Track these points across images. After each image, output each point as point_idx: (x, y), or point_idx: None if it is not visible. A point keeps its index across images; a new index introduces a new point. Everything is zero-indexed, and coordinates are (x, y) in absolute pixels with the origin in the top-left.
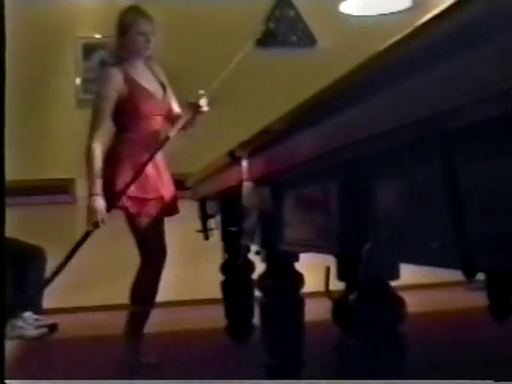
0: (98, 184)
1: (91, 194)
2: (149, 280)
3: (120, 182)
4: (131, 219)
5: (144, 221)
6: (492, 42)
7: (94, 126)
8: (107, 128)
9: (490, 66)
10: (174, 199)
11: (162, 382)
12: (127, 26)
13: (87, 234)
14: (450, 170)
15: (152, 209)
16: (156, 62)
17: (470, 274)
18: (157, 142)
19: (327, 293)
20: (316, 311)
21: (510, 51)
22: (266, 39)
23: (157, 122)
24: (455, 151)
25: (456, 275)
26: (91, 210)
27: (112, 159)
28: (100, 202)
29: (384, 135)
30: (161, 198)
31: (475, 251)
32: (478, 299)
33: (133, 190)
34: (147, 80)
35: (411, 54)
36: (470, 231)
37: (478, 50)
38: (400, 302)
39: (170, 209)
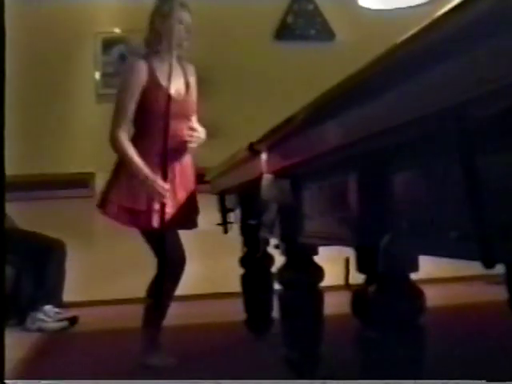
0: (141, 164)
1: (141, 179)
2: (165, 290)
3: (117, 192)
4: (142, 231)
5: (153, 233)
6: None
7: (117, 117)
8: (130, 120)
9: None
10: (189, 211)
11: (161, 382)
12: (167, 13)
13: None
14: (469, 160)
15: (147, 221)
16: (189, 61)
17: (488, 265)
18: (175, 148)
19: (347, 284)
20: (335, 304)
21: None
22: (285, 33)
23: (175, 125)
24: (474, 141)
25: (476, 269)
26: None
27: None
28: (155, 180)
29: (403, 126)
30: (156, 210)
31: (494, 241)
32: (498, 293)
33: (124, 200)
34: (172, 77)
35: (429, 45)
36: (489, 222)
37: (495, 39)
38: (419, 294)
39: (183, 221)
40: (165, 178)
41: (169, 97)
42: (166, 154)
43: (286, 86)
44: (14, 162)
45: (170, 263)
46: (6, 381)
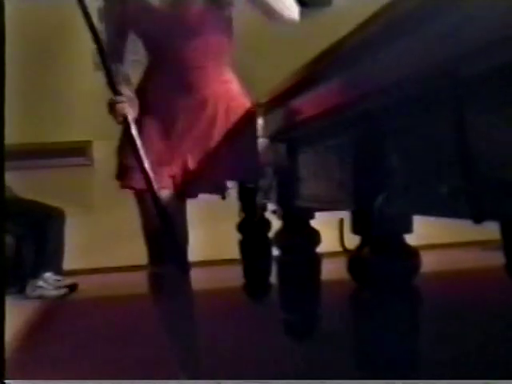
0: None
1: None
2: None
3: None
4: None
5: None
6: None
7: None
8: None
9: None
10: (205, 168)
11: (162, 382)
12: None
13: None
14: (458, 117)
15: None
16: None
17: (477, 221)
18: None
19: (342, 245)
20: (331, 270)
21: None
22: None
23: (175, 47)
24: (464, 99)
25: (472, 235)
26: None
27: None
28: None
29: (395, 86)
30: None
31: (482, 196)
32: (494, 258)
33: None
34: None
35: (420, 5)
36: (479, 177)
37: None
38: (413, 254)
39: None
40: (113, 89)
41: (150, 10)
42: (103, 53)
43: (282, 52)
44: (11, 130)
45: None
46: (6, 381)
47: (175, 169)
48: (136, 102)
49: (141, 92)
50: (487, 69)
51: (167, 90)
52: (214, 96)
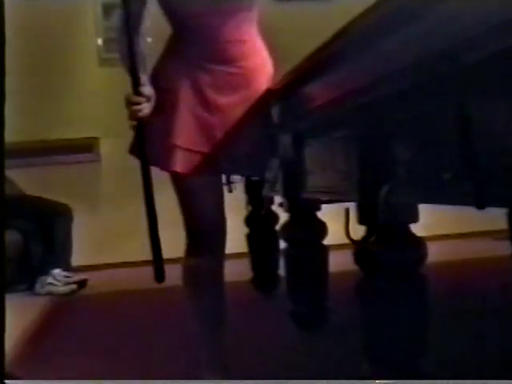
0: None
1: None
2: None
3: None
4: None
5: (191, 183)
6: None
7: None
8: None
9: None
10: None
11: (161, 382)
12: None
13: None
14: (462, 105)
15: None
16: None
17: (481, 207)
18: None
19: (347, 235)
20: (339, 261)
21: None
22: None
23: (208, 19)
24: (467, 86)
25: (483, 225)
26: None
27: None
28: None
29: (398, 74)
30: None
31: (486, 183)
32: (505, 248)
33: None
34: None
35: None
36: (482, 163)
37: None
38: (420, 243)
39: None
40: (135, 88)
41: None
42: (132, 45)
43: (284, 46)
44: (19, 128)
45: (195, 231)
46: (7, 381)
47: (207, 147)
48: (153, 99)
49: (162, 67)
50: (489, 55)
51: (198, 63)
52: (253, 68)
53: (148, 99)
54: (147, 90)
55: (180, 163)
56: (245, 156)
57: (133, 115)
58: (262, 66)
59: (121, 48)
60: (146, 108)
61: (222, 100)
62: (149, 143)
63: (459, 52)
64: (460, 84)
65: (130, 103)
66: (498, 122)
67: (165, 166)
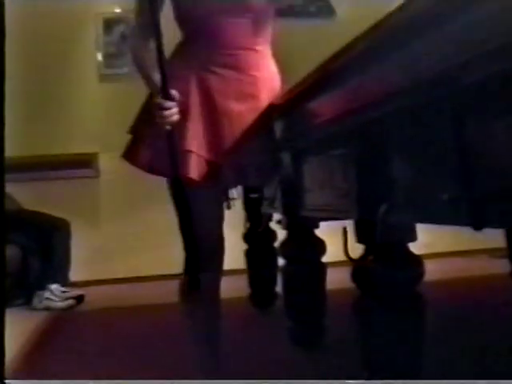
0: (148, 76)
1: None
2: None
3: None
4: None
5: (190, 198)
6: None
7: (136, 20)
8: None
9: (496, 22)
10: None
11: (161, 382)
12: None
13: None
14: (460, 126)
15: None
16: None
17: (478, 228)
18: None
19: (346, 254)
20: (336, 279)
21: None
22: (284, 10)
23: (223, 25)
24: (465, 108)
25: (480, 243)
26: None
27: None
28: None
29: (397, 95)
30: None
31: (482, 204)
32: (501, 267)
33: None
34: None
35: (421, 13)
36: (479, 185)
37: (484, 6)
38: (418, 262)
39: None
40: (165, 93)
41: None
42: (162, 54)
43: (286, 63)
44: (18, 142)
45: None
46: (7, 381)
47: (214, 155)
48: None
49: (171, 71)
50: (487, 76)
51: (209, 67)
52: (263, 79)
53: (177, 103)
54: (174, 92)
55: (195, 170)
56: (249, 166)
57: (166, 121)
58: (270, 80)
59: (136, 56)
60: (176, 112)
61: (230, 106)
62: (156, 150)
63: (457, 74)
64: (458, 105)
65: (160, 108)
66: (495, 143)
67: (179, 173)
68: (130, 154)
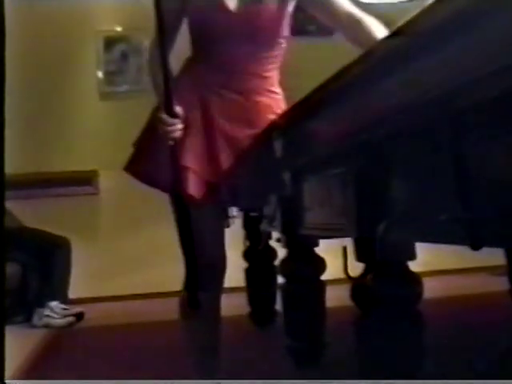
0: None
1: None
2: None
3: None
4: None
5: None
6: (495, 20)
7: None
8: (171, 37)
9: (494, 44)
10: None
11: (161, 382)
12: None
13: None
14: (457, 147)
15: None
16: None
17: (476, 248)
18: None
19: (345, 273)
20: (336, 297)
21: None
22: None
23: (233, 49)
24: (462, 130)
25: (480, 261)
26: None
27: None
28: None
29: (395, 116)
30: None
31: (480, 225)
32: (501, 284)
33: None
34: None
35: (418, 36)
36: (476, 205)
37: (481, 29)
38: (417, 281)
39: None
40: (169, 109)
41: (218, 6)
42: (167, 71)
43: (285, 81)
44: (18, 160)
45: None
46: (7, 381)
47: (212, 175)
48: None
49: (176, 87)
50: (483, 99)
51: (214, 88)
52: (265, 105)
53: (180, 119)
54: (179, 109)
55: (194, 187)
56: (246, 190)
57: (169, 137)
58: (273, 106)
59: (151, 66)
60: (180, 128)
61: (229, 129)
62: (151, 163)
63: (455, 96)
64: (456, 127)
65: (164, 124)
66: (493, 164)
67: (179, 189)
68: (132, 167)
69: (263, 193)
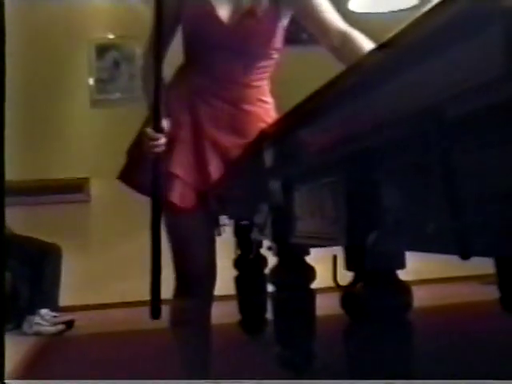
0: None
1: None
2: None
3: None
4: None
5: (183, 225)
6: (484, 32)
7: (149, 39)
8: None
9: (483, 56)
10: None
11: (161, 382)
12: None
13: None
14: (446, 158)
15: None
16: None
17: (465, 257)
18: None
19: (335, 281)
20: (326, 305)
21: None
22: None
23: (224, 59)
24: (451, 140)
25: (470, 270)
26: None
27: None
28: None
29: (385, 126)
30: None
31: (468, 234)
32: (491, 293)
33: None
34: None
35: (409, 47)
36: (465, 215)
37: (471, 40)
38: (406, 290)
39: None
40: (156, 124)
41: (213, 17)
42: (159, 87)
43: (278, 90)
44: (9, 167)
45: (185, 273)
46: (6, 381)
47: (200, 183)
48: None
49: (167, 94)
50: (472, 111)
51: (203, 96)
52: (255, 114)
53: (165, 134)
54: (165, 124)
55: (178, 195)
56: (235, 199)
57: (152, 151)
58: (263, 114)
59: (145, 76)
60: (163, 143)
61: (221, 138)
62: (144, 171)
63: (444, 106)
64: (445, 137)
65: (148, 138)
66: (481, 174)
67: (163, 196)
68: (126, 176)
69: (253, 202)
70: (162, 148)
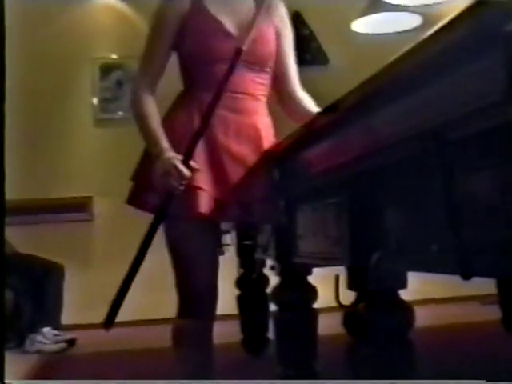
0: (161, 135)
1: (156, 154)
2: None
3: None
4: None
5: (187, 247)
6: (486, 56)
7: (141, 67)
8: (160, 71)
9: (485, 79)
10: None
11: (161, 382)
12: None
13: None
14: (448, 179)
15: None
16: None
17: (466, 277)
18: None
19: (337, 301)
20: (328, 324)
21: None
22: None
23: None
24: (453, 162)
25: (471, 289)
26: (163, 172)
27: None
28: (173, 157)
29: (388, 148)
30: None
31: (470, 255)
32: (493, 313)
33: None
34: (231, 5)
35: (411, 69)
36: (467, 236)
37: (473, 63)
38: (408, 310)
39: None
40: (187, 159)
41: (222, 32)
42: (206, 122)
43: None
44: (11, 186)
45: (188, 294)
46: (6, 381)
47: (219, 192)
48: None
49: (174, 114)
50: (474, 132)
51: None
52: (262, 124)
53: (193, 175)
54: (194, 164)
55: (205, 205)
56: (253, 203)
57: (179, 188)
58: (266, 127)
59: (136, 104)
60: (187, 183)
61: (234, 147)
62: (157, 193)
63: (445, 129)
64: (446, 159)
65: (179, 177)
66: (481, 195)
67: (188, 211)
68: (137, 200)
69: (272, 206)
70: (184, 187)
